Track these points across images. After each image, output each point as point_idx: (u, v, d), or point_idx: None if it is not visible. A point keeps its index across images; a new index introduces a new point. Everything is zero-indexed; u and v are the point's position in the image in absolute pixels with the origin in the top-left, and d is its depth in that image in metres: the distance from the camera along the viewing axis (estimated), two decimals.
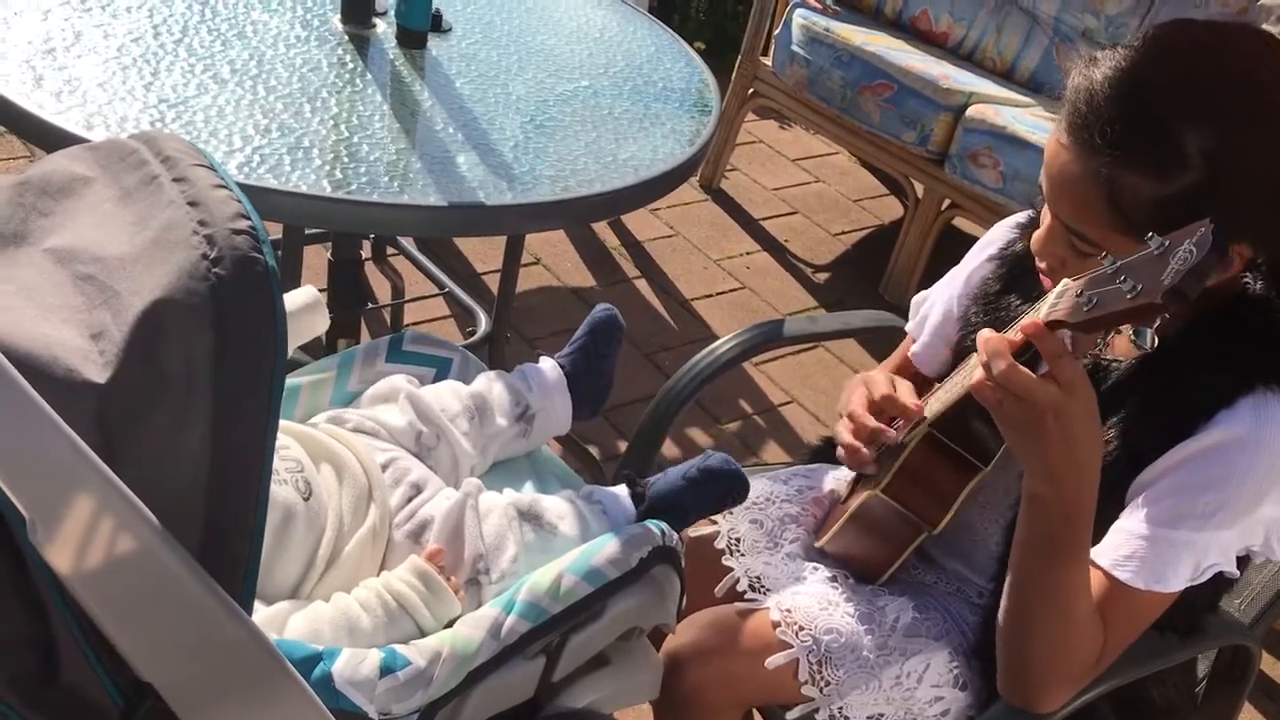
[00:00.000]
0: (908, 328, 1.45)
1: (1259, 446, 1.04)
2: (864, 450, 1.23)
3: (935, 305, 1.39)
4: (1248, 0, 2.76)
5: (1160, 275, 0.85)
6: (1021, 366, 0.96)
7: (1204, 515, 1.05)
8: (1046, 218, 1.10)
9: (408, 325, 2.50)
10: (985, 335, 0.99)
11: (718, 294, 3.02)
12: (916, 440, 1.19)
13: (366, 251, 2.51)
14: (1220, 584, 1.21)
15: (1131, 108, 0.99)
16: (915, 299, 1.45)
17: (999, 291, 1.28)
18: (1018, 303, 1.26)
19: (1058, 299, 0.96)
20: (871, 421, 1.23)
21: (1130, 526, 1.08)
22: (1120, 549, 1.08)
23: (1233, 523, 1.06)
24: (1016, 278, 1.27)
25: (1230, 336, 1.07)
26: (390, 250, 2.53)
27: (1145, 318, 0.88)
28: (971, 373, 1.08)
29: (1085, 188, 1.02)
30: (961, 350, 1.32)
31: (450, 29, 1.85)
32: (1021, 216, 1.32)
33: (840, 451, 1.28)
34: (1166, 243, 0.87)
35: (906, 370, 1.43)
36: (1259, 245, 1.03)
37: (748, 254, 3.23)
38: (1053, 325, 0.95)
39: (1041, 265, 1.12)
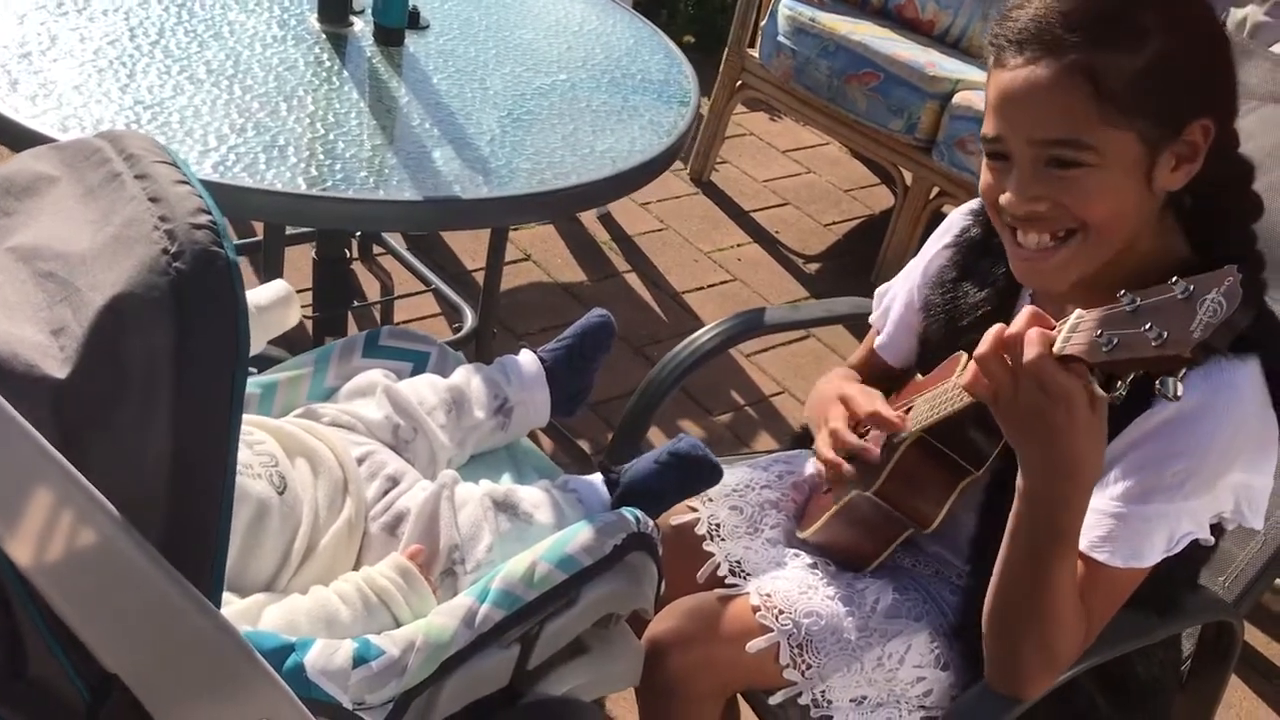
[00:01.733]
0: (871, 319, 1.45)
1: (1218, 412, 1.04)
2: (845, 466, 1.24)
3: (897, 297, 1.39)
4: None
5: (1189, 326, 0.82)
6: (1049, 356, 0.93)
7: (1173, 486, 1.06)
8: (1009, 172, 1.07)
9: (396, 323, 2.51)
10: (1000, 327, 0.96)
11: (709, 286, 3.02)
12: (908, 443, 1.19)
13: (354, 251, 2.52)
14: (1199, 559, 1.21)
15: (1085, 6, 1.03)
16: (879, 290, 1.45)
17: (955, 278, 1.29)
18: (974, 290, 1.26)
19: (1070, 332, 0.93)
20: (855, 440, 1.24)
21: (1101, 506, 1.08)
22: (1094, 530, 1.08)
23: (1202, 491, 1.06)
24: (971, 264, 1.27)
25: None
26: (378, 249, 2.54)
27: (1171, 368, 0.85)
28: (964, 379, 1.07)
29: (1065, 86, 1.02)
30: (927, 339, 1.32)
31: (428, 26, 1.85)
32: (975, 203, 1.32)
33: (817, 466, 1.28)
34: (1191, 287, 0.84)
35: (873, 362, 1.43)
36: (1216, 113, 1.05)
37: (739, 246, 3.24)
38: (1066, 360, 0.92)
39: (1027, 221, 1.08)
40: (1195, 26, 1.06)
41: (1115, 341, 0.87)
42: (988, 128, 1.09)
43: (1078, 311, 0.94)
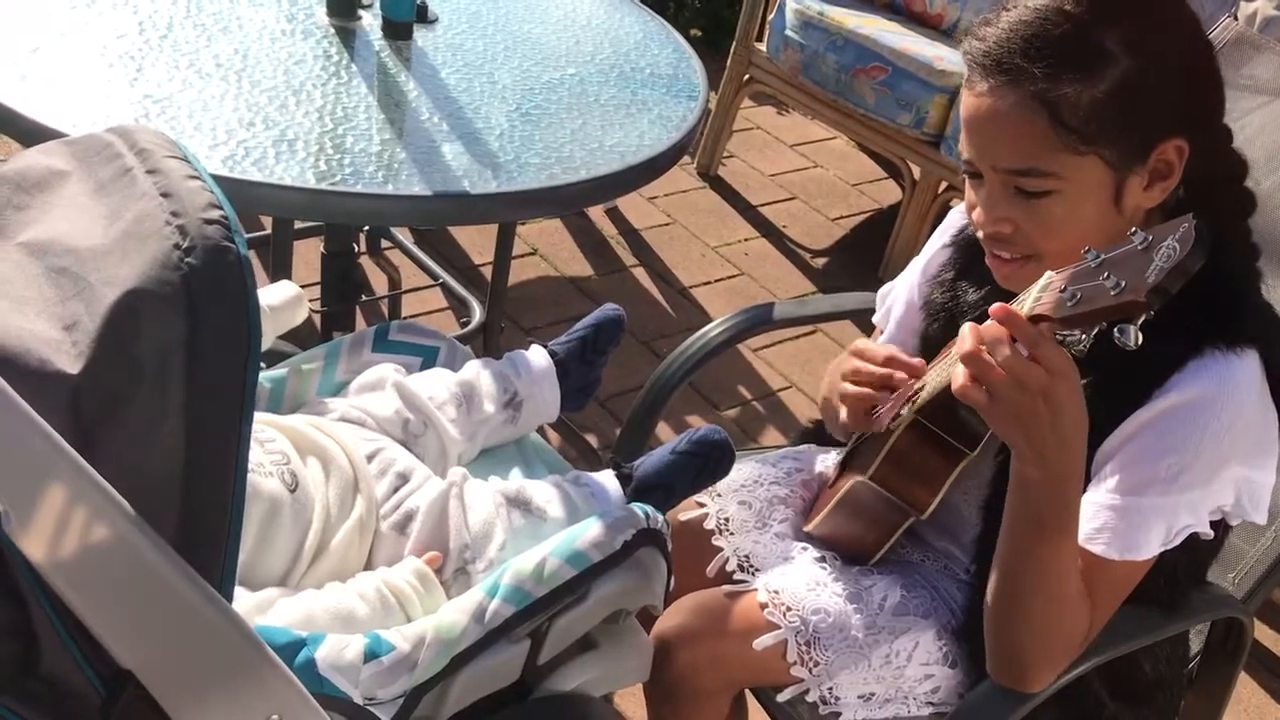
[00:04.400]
0: (875, 319, 1.45)
1: (1214, 405, 1.04)
2: (871, 394, 1.22)
3: (899, 297, 1.39)
4: None
5: (1144, 273, 0.84)
6: (1020, 351, 0.95)
7: (1168, 479, 1.06)
8: (981, 189, 1.09)
9: (405, 317, 2.51)
10: (972, 326, 0.98)
11: (716, 281, 3.02)
12: (902, 427, 1.19)
13: (362, 245, 2.52)
14: (1205, 556, 1.21)
15: (1048, 28, 1.02)
16: (881, 291, 1.45)
17: (954, 277, 1.29)
18: (972, 288, 1.26)
19: (1041, 292, 0.95)
20: (881, 369, 1.22)
21: (1098, 498, 1.08)
22: (1091, 522, 1.08)
23: (1198, 483, 1.06)
24: (969, 262, 1.27)
25: (1173, 302, 1.07)
26: (385, 244, 2.54)
27: (1129, 315, 0.87)
28: (954, 365, 1.07)
29: (1023, 116, 1.02)
30: (928, 338, 1.32)
31: (436, 20, 1.85)
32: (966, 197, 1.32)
33: (843, 414, 1.26)
34: (1150, 237, 0.86)
35: None
36: (1190, 131, 1.04)
37: (746, 240, 3.23)
38: (1036, 319, 0.94)
39: (994, 240, 1.10)
40: (1166, 44, 1.04)
41: (1079, 296, 0.90)
42: (961, 146, 1.10)
43: (1048, 273, 0.96)
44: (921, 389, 1.18)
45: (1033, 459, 1.00)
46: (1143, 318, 0.86)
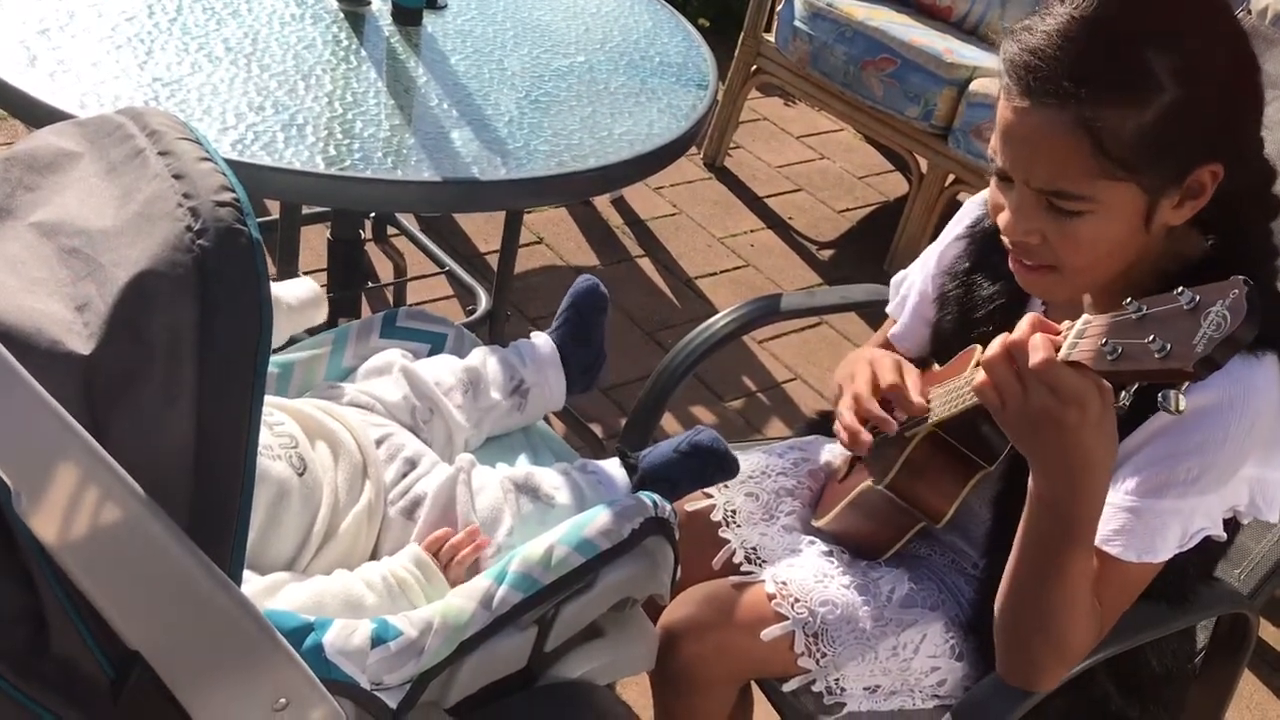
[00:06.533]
0: (889, 309, 1.44)
1: (1234, 408, 1.03)
2: (865, 434, 1.22)
3: (913, 286, 1.38)
4: None
5: (1192, 340, 0.81)
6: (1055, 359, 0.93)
7: (1187, 482, 1.05)
8: (1010, 193, 1.07)
9: (410, 305, 2.50)
10: (1015, 338, 0.95)
11: (721, 272, 3.01)
12: (921, 437, 1.18)
13: (368, 232, 2.52)
14: (1213, 552, 1.20)
15: (1094, 47, 0.99)
16: (895, 279, 1.43)
17: (968, 269, 1.28)
18: (987, 282, 1.25)
19: (1078, 338, 0.92)
20: (877, 409, 1.21)
21: (1115, 500, 1.08)
22: (1108, 523, 1.07)
23: (1216, 486, 1.06)
24: (986, 255, 1.26)
25: None
26: (392, 230, 2.53)
27: (1173, 381, 0.84)
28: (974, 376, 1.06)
29: (1064, 140, 1.00)
30: (941, 329, 1.31)
31: (446, 5, 1.84)
32: (988, 192, 1.31)
33: (838, 427, 1.27)
34: (1197, 298, 0.83)
35: (888, 351, 1.42)
36: (1229, 157, 1.02)
37: (752, 232, 3.23)
38: (1072, 365, 0.92)
39: (1018, 248, 1.09)
40: (1214, 71, 1.00)
41: (1120, 351, 0.87)
42: (993, 150, 1.07)
43: (1084, 316, 0.93)
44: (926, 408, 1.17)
45: (1054, 472, 0.99)
46: (1186, 384, 0.83)
